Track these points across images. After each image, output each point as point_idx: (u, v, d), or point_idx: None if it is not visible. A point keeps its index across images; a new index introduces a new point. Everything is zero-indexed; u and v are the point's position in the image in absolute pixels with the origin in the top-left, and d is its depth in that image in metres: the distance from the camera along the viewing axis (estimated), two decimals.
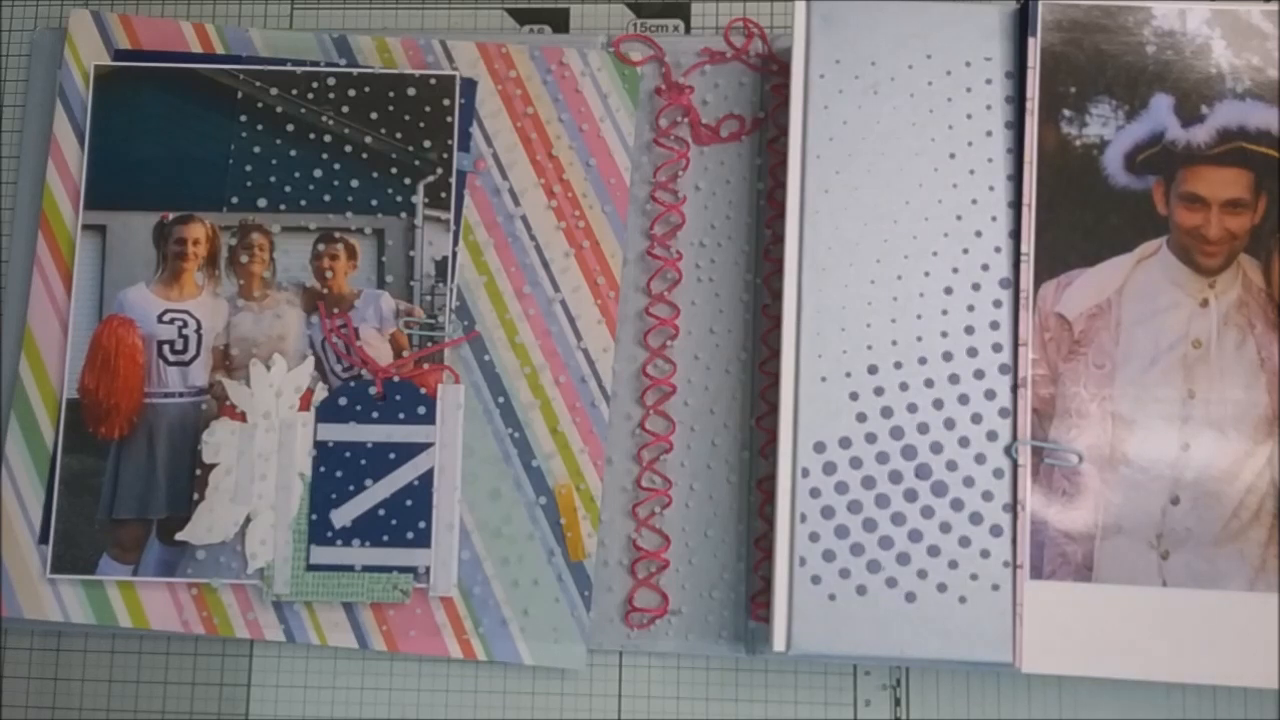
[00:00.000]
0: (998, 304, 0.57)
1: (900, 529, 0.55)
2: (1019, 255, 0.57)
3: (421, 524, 0.59)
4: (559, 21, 0.66)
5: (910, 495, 0.56)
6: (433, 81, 0.62)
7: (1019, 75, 0.59)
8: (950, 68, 0.59)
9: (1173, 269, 0.57)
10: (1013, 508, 0.56)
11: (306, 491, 0.59)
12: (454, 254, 0.61)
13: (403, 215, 0.61)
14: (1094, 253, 0.57)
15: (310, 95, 0.62)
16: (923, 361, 0.57)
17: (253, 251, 0.61)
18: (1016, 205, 0.58)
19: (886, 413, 0.56)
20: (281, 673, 0.61)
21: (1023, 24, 0.59)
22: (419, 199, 0.61)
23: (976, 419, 0.56)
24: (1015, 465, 0.56)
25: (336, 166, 0.62)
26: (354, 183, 0.62)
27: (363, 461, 0.59)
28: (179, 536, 0.59)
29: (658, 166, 0.62)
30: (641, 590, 0.59)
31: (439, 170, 0.62)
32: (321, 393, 0.60)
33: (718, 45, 0.63)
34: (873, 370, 0.57)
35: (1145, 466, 0.56)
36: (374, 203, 0.61)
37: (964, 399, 0.56)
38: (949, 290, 0.57)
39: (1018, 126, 0.58)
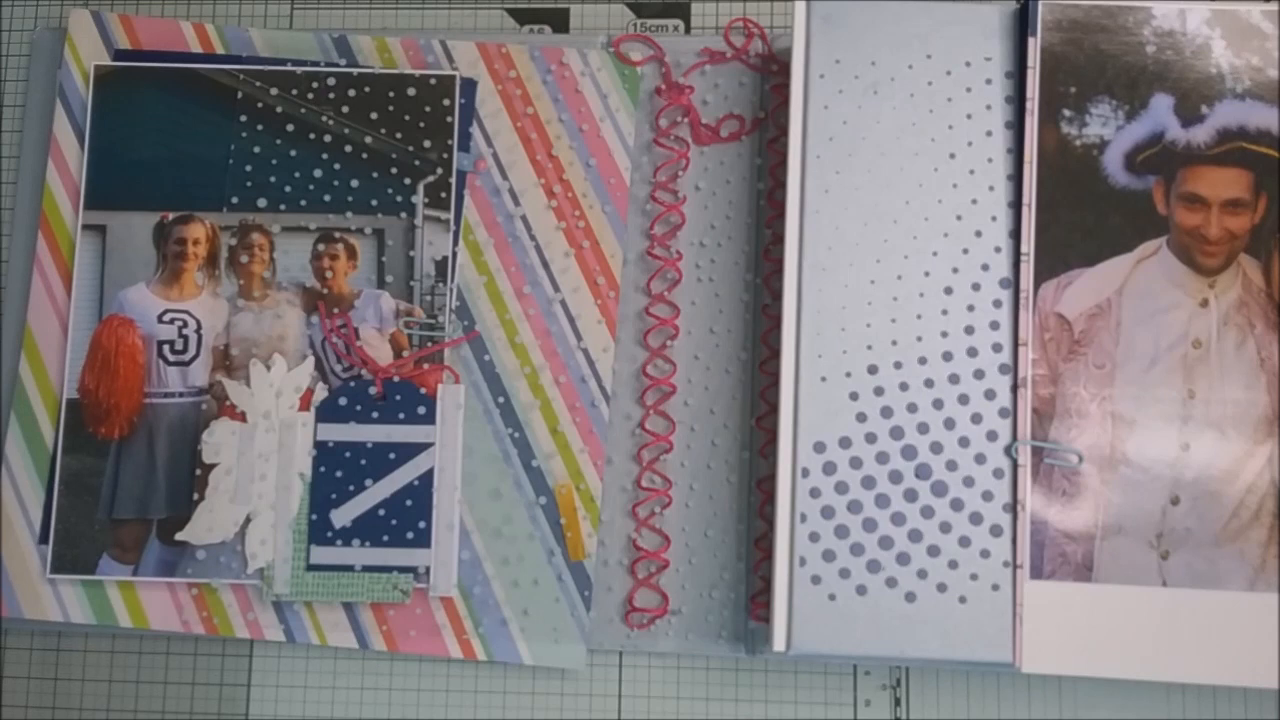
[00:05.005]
0: (998, 304, 0.57)
1: (900, 529, 0.56)
2: (1019, 255, 0.57)
3: (421, 524, 0.59)
4: (559, 21, 0.66)
5: (910, 495, 0.56)
6: (433, 81, 0.62)
7: (1019, 75, 0.59)
8: (950, 68, 0.59)
9: (1173, 269, 0.57)
10: (1013, 508, 0.56)
11: (306, 491, 0.59)
12: (454, 254, 0.61)
13: (403, 215, 0.61)
14: (1094, 253, 0.57)
15: (310, 95, 0.62)
16: (923, 361, 0.57)
17: (253, 251, 0.61)
18: (1016, 205, 0.58)
19: (886, 413, 0.56)
20: (281, 673, 0.61)
21: (1023, 24, 0.59)
22: (419, 199, 0.62)
23: (976, 419, 0.56)
24: (1015, 465, 0.56)
25: (336, 166, 0.62)
26: (354, 183, 0.62)
27: (363, 461, 0.59)
28: (179, 536, 0.59)
29: (658, 166, 0.62)
30: (641, 590, 0.59)
31: (439, 170, 0.62)
32: (321, 393, 0.60)
33: (718, 45, 0.63)
34: (873, 370, 0.57)
35: (1145, 466, 0.56)
36: (374, 203, 0.61)
37: (964, 399, 0.56)
38: (949, 290, 0.57)
39: (1018, 126, 0.58)
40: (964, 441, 0.56)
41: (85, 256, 0.61)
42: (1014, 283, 0.57)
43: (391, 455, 0.59)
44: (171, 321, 0.61)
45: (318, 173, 0.62)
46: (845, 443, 0.56)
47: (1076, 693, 0.59)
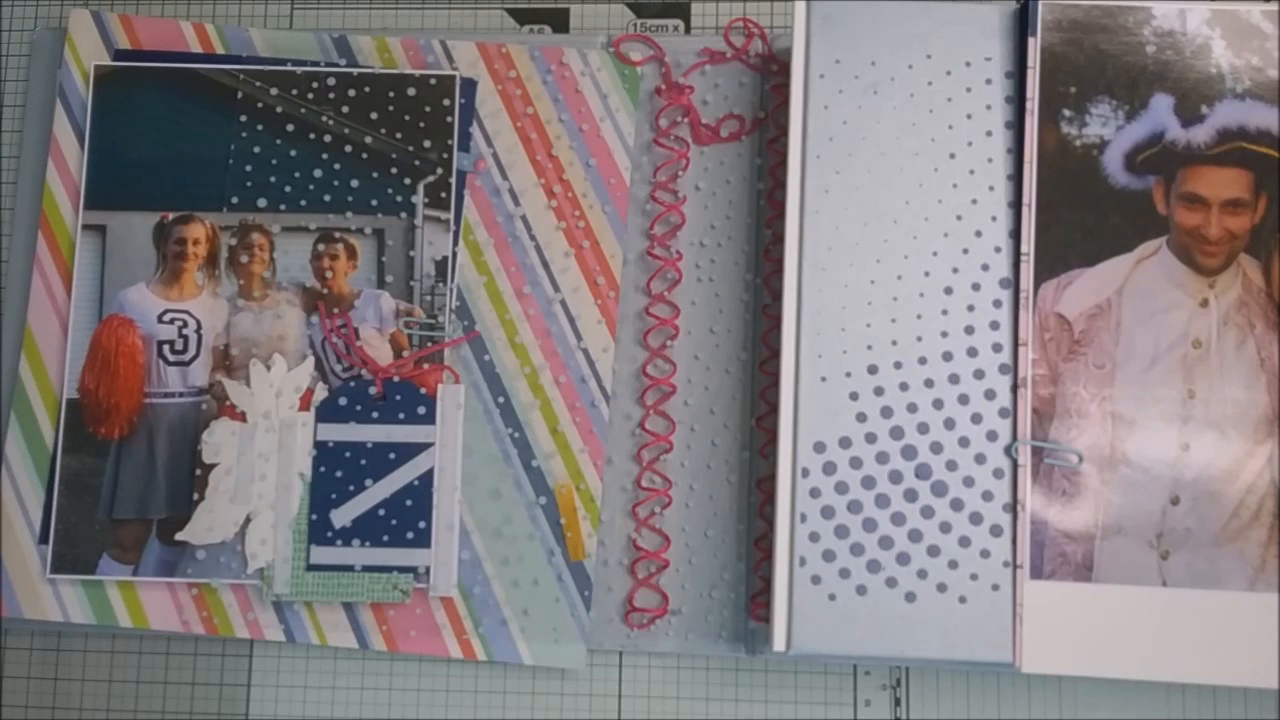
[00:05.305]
0: (998, 304, 0.57)
1: (900, 529, 0.55)
2: (1019, 255, 0.57)
3: (421, 524, 0.59)
4: (559, 21, 0.66)
5: (910, 495, 0.56)
6: (433, 81, 0.62)
7: (1019, 75, 0.59)
8: (950, 68, 0.59)
9: (1173, 269, 0.57)
10: (1013, 508, 0.56)
11: (306, 491, 0.59)
12: (454, 254, 0.61)
13: (403, 215, 0.61)
14: (1094, 253, 0.57)
15: (310, 95, 0.62)
16: (923, 361, 0.57)
17: (253, 251, 0.61)
18: (1016, 205, 0.58)
19: (886, 413, 0.56)
20: (281, 673, 0.61)
21: (1023, 24, 0.59)
22: (419, 199, 0.62)
23: (976, 419, 0.56)
24: (1015, 465, 0.56)
25: (336, 166, 0.62)
26: (354, 183, 0.62)
27: (363, 461, 0.59)
28: (179, 536, 0.59)
29: (658, 166, 0.62)
30: (641, 590, 0.59)
31: (439, 170, 0.62)
32: (321, 393, 0.60)
33: (718, 45, 0.63)
34: (873, 370, 0.57)
35: (1145, 466, 0.56)
36: (374, 203, 0.61)
37: (964, 399, 0.56)
38: (949, 290, 0.57)
39: (1018, 126, 0.58)
40: (964, 441, 0.56)
41: (85, 256, 0.61)
42: (1014, 283, 0.57)
43: (391, 455, 0.59)
44: (171, 321, 0.61)
45: (318, 173, 0.62)
46: (845, 443, 0.56)
47: (1076, 693, 0.59)
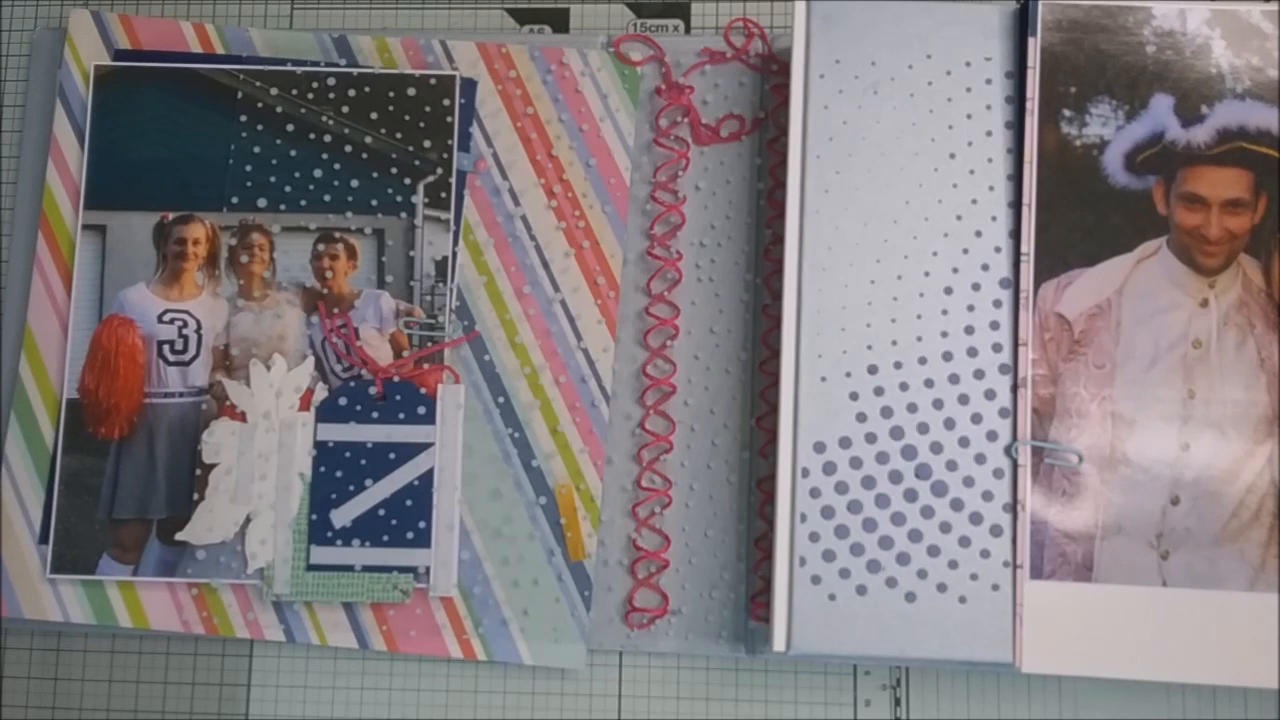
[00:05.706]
0: (998, 304, 0.57)
1: (900, 529, 0.56)
2: (1019, 255, 0.57)
3: (421, 524, 0.59)
4: (559, 21, 0.66)
5: (910, 495, 0.56)
6: (433, 81, 0.62)
7: (1019, 75, 0.59)
8: (950, 68, 0.59)
9: (1173, 269, 0.57)
10: (1013, 508, 0.56)
11: (306, 491, 0.59)
12: (454, 254, 0.61)
13: (403, 215, 0.61)
14: (1094, 253, 0.57)
15: (310, 95, 0.62)
16: (923, 361, 0.57)
17: (253, 251, 0.61)
18: (1016, 205, 0.58)
19: (886, 413, 0.56)
20: (281, 673, 0.61)
21: (1023, 24, 0.59)
22: (419, 199, 0.62)
23: (976, 419, 0.56)
24: (1015, 465, 0.56)
25: (336, 166, 0.62)
26: (354, 183, 0.62)
27: (363, 461, 0.59)
28: (179, 536, 0.59)
29: (658, 166, 0.62)
30: (641, 590, 0.59)
31: (439, 170, 0.62)
32: (321, 393, 0.60)
33: (718, 45, 0.63)
34: (873, 370, 0.57)
35: (1145, 466, 0.56)
36: (374, 203, 0.61)
37: (964, 399, 0.56)
38: (949, 290, 0.57)
39: (1018, 126, 0.58)
40: (964, 441, 0.56)
41: (85, 256, 0.61)
42: (1014, 283, 0.57)
43: (391, 455, 0.59)
44: (171, 321, 0.61)
45: (318, 173, 0.62)
46: (845, 443, 0.56)
47: (1076, 693, 0.59)
